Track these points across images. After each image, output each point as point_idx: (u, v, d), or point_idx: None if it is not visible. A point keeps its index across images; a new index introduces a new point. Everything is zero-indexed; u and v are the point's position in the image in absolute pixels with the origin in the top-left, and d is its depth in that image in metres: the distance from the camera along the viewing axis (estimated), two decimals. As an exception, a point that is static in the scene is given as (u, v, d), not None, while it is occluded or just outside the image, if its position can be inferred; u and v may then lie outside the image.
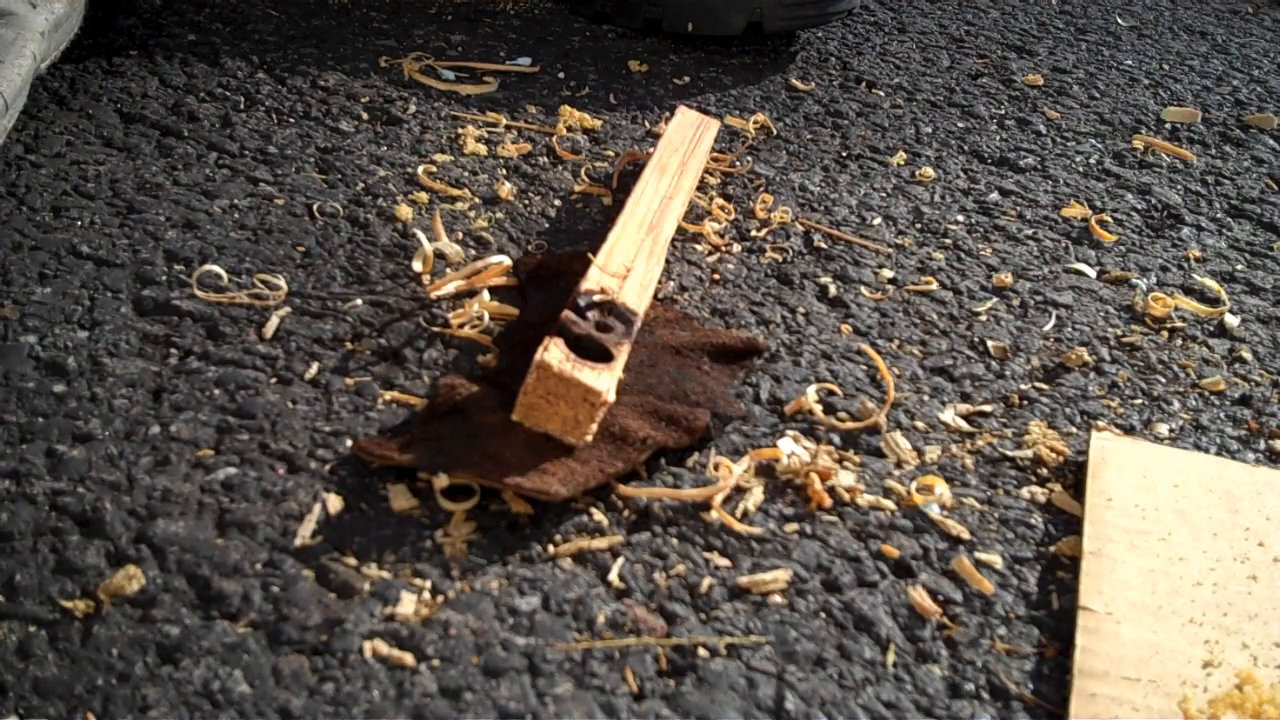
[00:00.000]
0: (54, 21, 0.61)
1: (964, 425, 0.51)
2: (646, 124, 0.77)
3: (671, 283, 0.59)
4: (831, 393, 0.52)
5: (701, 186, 0.70)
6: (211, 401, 0.46)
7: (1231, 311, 0.62)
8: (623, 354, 0.47)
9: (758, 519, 0.44)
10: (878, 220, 0.69)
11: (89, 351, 0.48)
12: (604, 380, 0.44)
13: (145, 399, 0.46)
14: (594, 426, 0.44)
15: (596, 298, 0.49)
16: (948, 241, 0.68)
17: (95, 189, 0.60)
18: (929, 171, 0.76)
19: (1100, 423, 0.52)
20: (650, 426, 0.46)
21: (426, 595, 0.39)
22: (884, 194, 0.72)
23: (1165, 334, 0.60)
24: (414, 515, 0.42)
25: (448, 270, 0.57)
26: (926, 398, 0.52)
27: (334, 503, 0.42)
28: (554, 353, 0.44)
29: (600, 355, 0.46)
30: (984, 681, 0.39)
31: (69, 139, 0.65)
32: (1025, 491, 0.47)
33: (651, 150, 0.70)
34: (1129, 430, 0.52)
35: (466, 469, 0.42)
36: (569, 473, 0.42)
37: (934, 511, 0.45)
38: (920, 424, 0.51)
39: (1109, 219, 0.73)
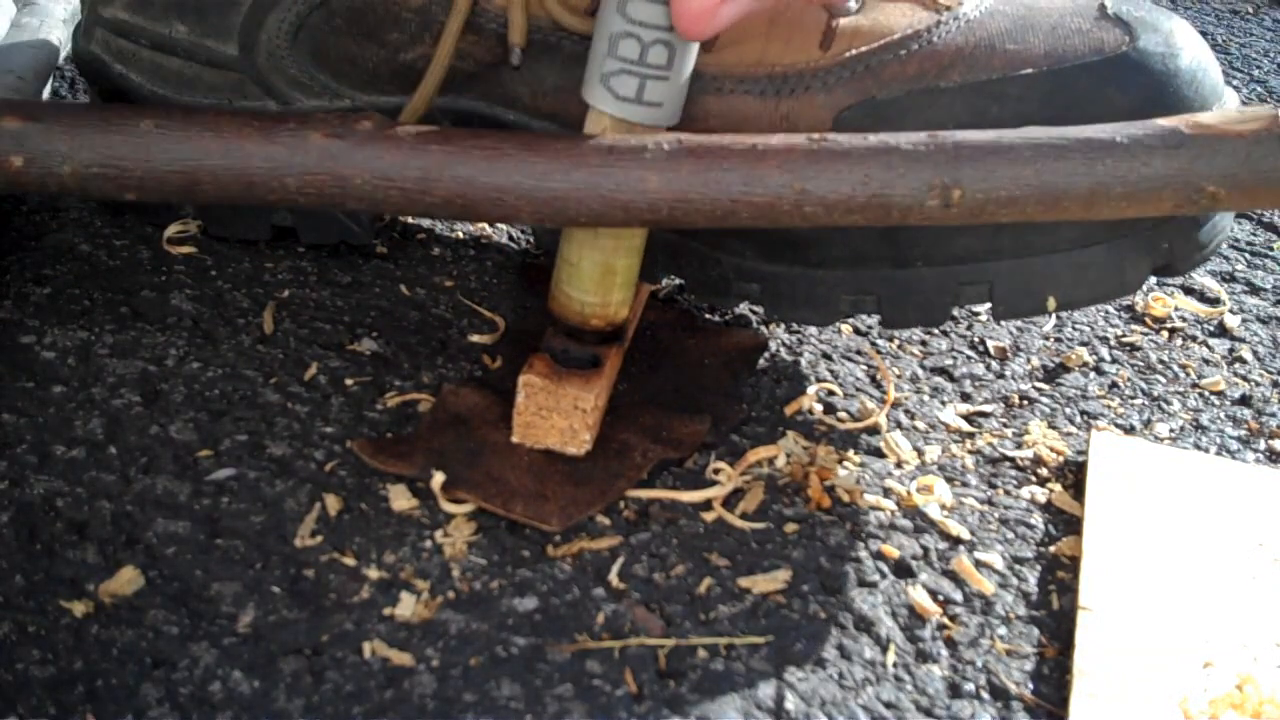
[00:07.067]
0: (71, 11, 0.63)
1: (964, 425, 0.51)
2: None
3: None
4: (831, 393, 0.52)
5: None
6: (209, 402, 0.46)
7: (1231, 311, 0.62)
8: (612, 359, 0.47)
9: (757, 519, 0.44)
10: (877, 220, 0.69)
11: (87, 352, 0.48)
12: (592, 386, 0.44)
13: (143, 399, 0.46)
14: (590, 435, 0.45)
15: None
16: (947, 241, 0.67)
17: (94, 189, 0.60)
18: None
19: (1100, 423, 0.52)
20: (650, 439, 0.46)
21: (426, 595, 0.39)
22: (884, 194, 0.72)
23: (1165, 334, 0.60)
24: (414, 515, 0.42)
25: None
26: (926, 398, 0.52)
27: (333, 503, 0.42)
28: (537, 368, 0.45)
29: (589, 362, 0.46)
30: (984, 681, 0.39)
31: (68, 139, 0.65)
32: (1025, 491, 0.47)
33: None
34: (1129, 430, 0.52)
35: (469, 489, 0.43)
36: (568, 501, 0.43)
37: (934, 511, 0.45)
38: (920, 424, 0.51)
39: (1109, 219, 0.73)
